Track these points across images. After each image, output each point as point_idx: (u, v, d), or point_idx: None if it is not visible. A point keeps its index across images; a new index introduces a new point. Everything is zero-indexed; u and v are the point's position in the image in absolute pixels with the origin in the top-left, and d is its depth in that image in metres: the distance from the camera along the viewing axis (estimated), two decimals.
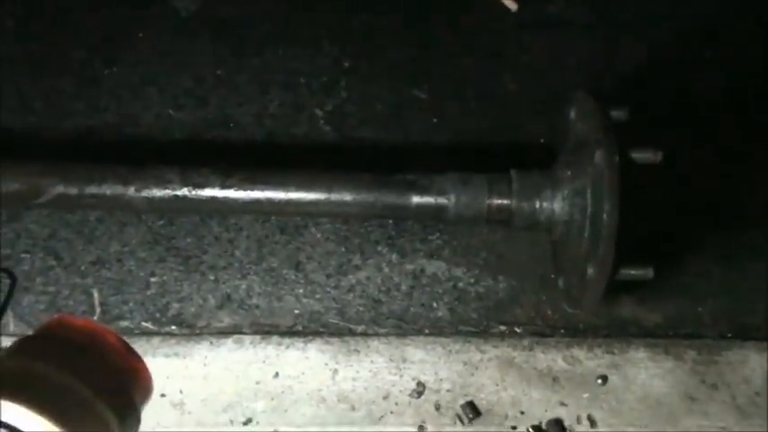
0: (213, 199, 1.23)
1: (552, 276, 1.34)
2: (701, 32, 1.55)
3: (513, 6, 1.56)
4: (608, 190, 1.12)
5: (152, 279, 1.33)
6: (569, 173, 1.22)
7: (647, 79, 1.49)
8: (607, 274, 1.15)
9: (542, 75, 1.51)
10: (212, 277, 1.33)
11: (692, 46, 1.54)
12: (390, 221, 1.38)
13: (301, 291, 1.34)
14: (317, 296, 1.34)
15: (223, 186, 1.23)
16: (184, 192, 1.22)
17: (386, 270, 1.36)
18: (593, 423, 1.26)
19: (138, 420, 0.79)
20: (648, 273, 1.19)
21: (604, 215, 1.12)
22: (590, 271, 1.17)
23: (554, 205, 1.23)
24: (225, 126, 1.44)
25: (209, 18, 1.52)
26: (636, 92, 1.47)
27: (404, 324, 1.33)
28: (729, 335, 1.35)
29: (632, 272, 1.18)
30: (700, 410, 1.28)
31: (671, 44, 1.55)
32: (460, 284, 1.36)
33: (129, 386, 0.76)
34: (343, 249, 1.37)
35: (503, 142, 1.47)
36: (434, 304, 1.35)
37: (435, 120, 1.47)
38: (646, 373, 1.30)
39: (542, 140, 1.45)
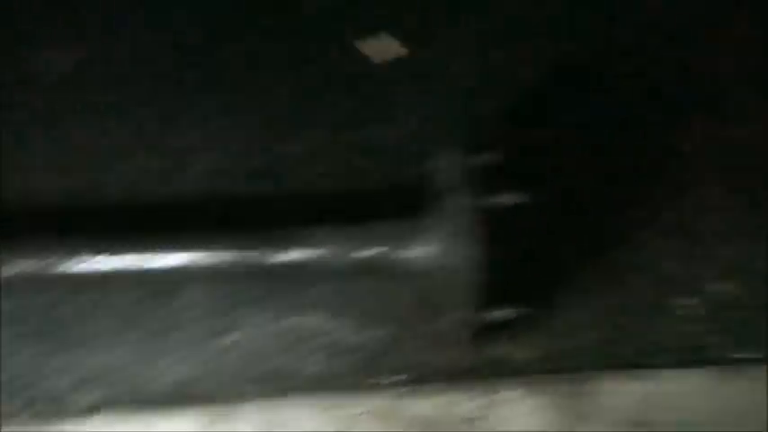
0: (80, 269, 1.22)
1: (427, 322, 1.37)
2: (560, 74, 1.63)
3: (386, 56, 1.60)
4: (471, 235, 1.16)
5: (13, 358, 1.29)
6: (438, 219, 1.26)
7: (511, 124, 1.56)
8: (474, 319, 1.19)
9: (420, 121, 1.56)
10: (80, 351, 1.31)
11: (555, 88, 1.61)
12: (264, 277, 1.39)
13: (176, 356, 1.33)
14: (192, 360, 1.33)
15: (91, 256, 1.21)
16: (48, 264, 1.20)
17: (261, 328, 1.37)
18: None
19: None
20: (512, 313, 1.23)
21: (468, 260, 1.16)
22: (458, 316, 1.20)
23: (426, 252, 1.26)
24: (95, 191, 1.42)
25: (78, 79, 1.50)
26: (501, 136, 1.53)
27: (280, 382, 1.33)
28: (599, 366, 1.40)
29: (497, 313, 1.22)
30: None
31: (538, 85, 1.61)
32: (337, 337, 1.37)
33: None
34: (216, 310, 1.37)
35: (379, 191, 1.50)
36: (311, 359, 1.35)
37: (313, 172, 1.50)
38: (520, 411, 1.33)
39: (417, 187, 1.48)
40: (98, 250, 1.22)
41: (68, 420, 1.25)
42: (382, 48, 1.57)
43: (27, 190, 1.41)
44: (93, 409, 1.26)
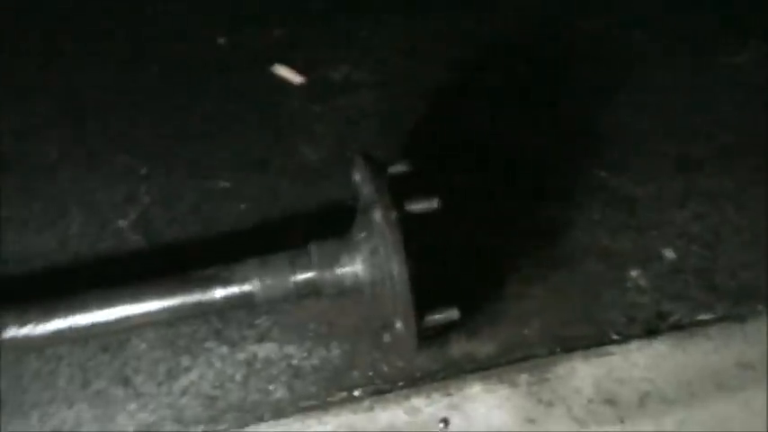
0: (14, 339, 1.21)
1: (378, 334, 1.37)
2: (478, 77, 1.65)
3: (297, 80, 1.61)
4: (391, 246, 1.16)
5: None
6: (364, 234, 1.26)
7: (431, 126, 1.57)
8: (413, 325, 1.19)
9: (339, 140, 1.57)
10: (36, 415, 1.30)
11: (466, 94, 1.63)
12: (211, 315, 1.38)
13: (134, 406, 1.32)
14: (151, 407, 1.32)
15: (21, 325, 1.21)
16: None
17: (217, 364, 1.36)
18: None
19: None
20: (453, 314, 1.23)
21: (394, 271, 1.16)
22: (398, 325, 1.20)
23: (355, 268, 1.27)
24: (26, 260, 1.42)
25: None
26: (424, 141, 1.55)
27: (243, 414, 1.32)
28: (558, 350, 1.40)
29: (437, 316, 1.22)
30: (541, 431, 1.32)
31: (449, 94, 1.63)
32: (294, 361, 1.37)
33: None
34: (170, 354, 1.36)
35: (312, 213, 1.51)
36: (271, 387, 1.35)
37: (242, 205, 1.50)
38: (484, 407, 1.33)
39: (350, 202, 1.49)
40: (39, 313, 1.22)
41: None
42: (294, 71, 1.59)
43: None
44: None
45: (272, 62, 1.59)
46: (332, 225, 1.33)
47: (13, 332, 1.20)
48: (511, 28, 1.70)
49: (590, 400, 1.35)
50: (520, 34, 1.71)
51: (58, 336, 1.22)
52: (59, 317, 1.22)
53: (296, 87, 1.59)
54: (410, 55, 1.64)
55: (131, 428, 1.30)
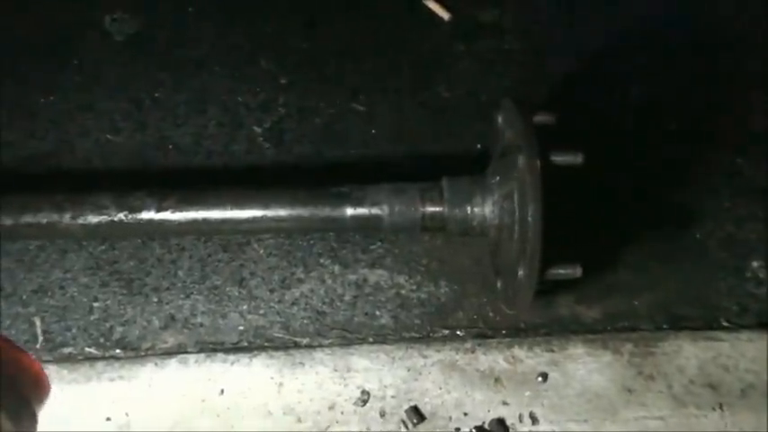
0: (150, 222, 1.25)
1: (490, 279, 1.37)
2: (630, 40, 1.60)
3: (445, 15, 1.59)
4: (531, 193, 1.15)
5: (95, 304, 1.34)
6: (498, 178, 1.26)
7: (576, 84, 1.54)
8: (536, 275, 1.18)
9: (477, 83, 1.55)
10: (156, 299, 1.35)
11: (619, 53, 1.58)
12: (332, 233, 1.41)
13: (245, 307, 1.36)
14: (261, 311, 1.36)
15: (159, 209, 1.25)
16: (120, 216, 1.24)
17: (329, 281, 1.39)
18: (534, 420, 1.29)
19: (33, 416, 0.80)
20: (576, 271, 1.22)
21: (529, 218, 1.16)
22: (520, 273, 1.20)
23: (485, 210, 1.27)
24: (163, 149, 1.46)
25: (146, 41, 1.54)
26: (565, 96, 1.52)
27: (348, 334, 1.35)
28: (665, 326, 1.39)
29: (561, 271, 1.21)
30: (638, 401, 1.32)
31: (600, 50, 1.59)
32: (403, 292, 1.39)
33: (16, 381, 0.76)
34: (285, 263, 1.39)
35: (440, 150, 1.50)
36: (377, 312, 1.37)
37: (373, 131, 1.51)
38: (584, 368, 1.34)
39: (479, 146, 1.49)
40: (177, 201, 1.25)
41: (144, 365, 1.30)
42: (443, 7, 1.57)
43: (100, 145, 1.46)
44: (168, 355, 1.31)
45: None
46: (457, 165, 1.33)
47: (150, 215, 1.24)
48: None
49: (692, 381, 1.34)
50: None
51: (190, 226, 1.26)
52: (195, 208, 1.25)
53: (442, 23, 1.57)
54: (566, 8, 1.59)
55: (241, 327, 1.35)
